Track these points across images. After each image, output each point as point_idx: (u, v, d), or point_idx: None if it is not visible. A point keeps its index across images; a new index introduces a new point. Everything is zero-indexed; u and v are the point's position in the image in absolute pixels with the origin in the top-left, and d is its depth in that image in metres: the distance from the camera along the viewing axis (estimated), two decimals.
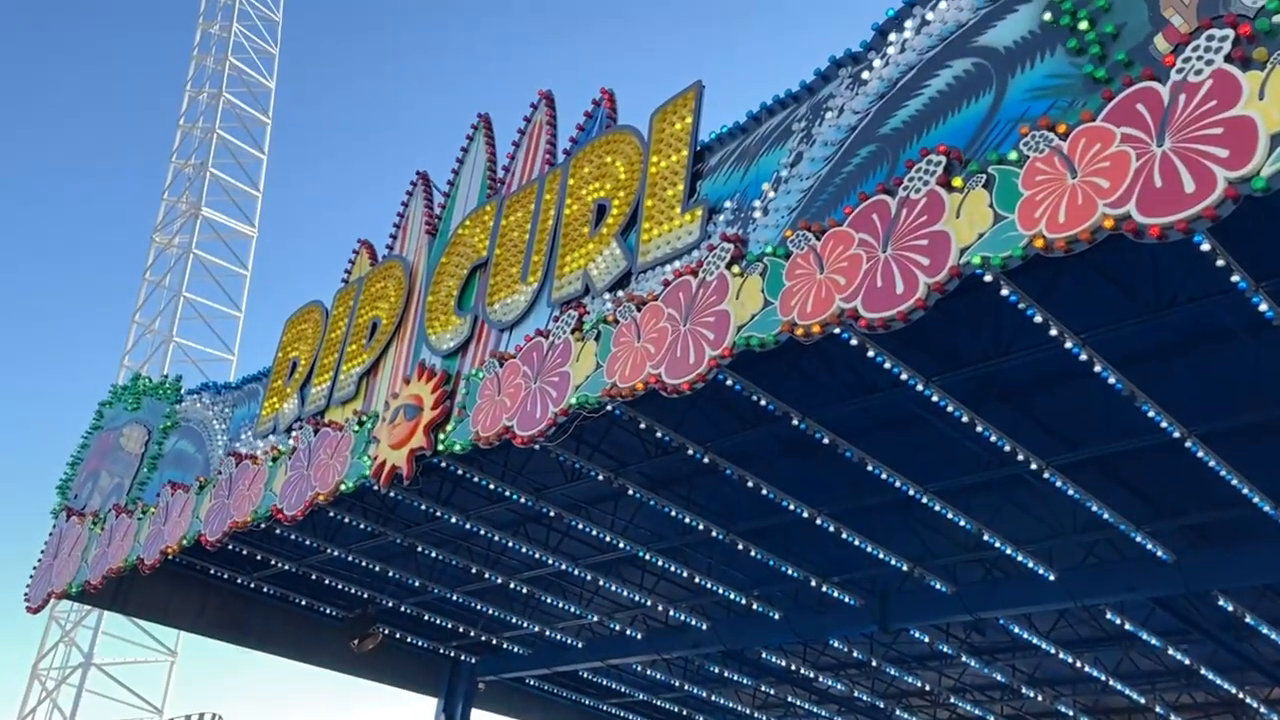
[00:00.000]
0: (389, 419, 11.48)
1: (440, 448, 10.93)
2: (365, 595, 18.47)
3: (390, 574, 17.42)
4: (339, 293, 14.05)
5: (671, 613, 17.60)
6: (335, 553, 16.57)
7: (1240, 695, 17.84)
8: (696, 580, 16.09)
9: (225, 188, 47.39)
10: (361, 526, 15.67)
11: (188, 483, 14.79)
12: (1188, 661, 16.59)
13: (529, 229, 11.22)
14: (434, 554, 16.61)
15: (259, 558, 17.24)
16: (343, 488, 11.91)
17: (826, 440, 11.46)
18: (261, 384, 14.71)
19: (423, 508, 14.82)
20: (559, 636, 19.55)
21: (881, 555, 14.31)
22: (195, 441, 15.57)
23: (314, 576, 17.88)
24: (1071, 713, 20.13)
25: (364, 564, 17.05)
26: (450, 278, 12.06)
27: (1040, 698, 19.61)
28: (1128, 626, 15.48)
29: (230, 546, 15.62)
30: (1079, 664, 17.33)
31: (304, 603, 19.25)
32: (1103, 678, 17.77)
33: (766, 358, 10.03)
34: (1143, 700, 18.71)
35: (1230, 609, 14.13)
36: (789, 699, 22.24)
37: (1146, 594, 13.87)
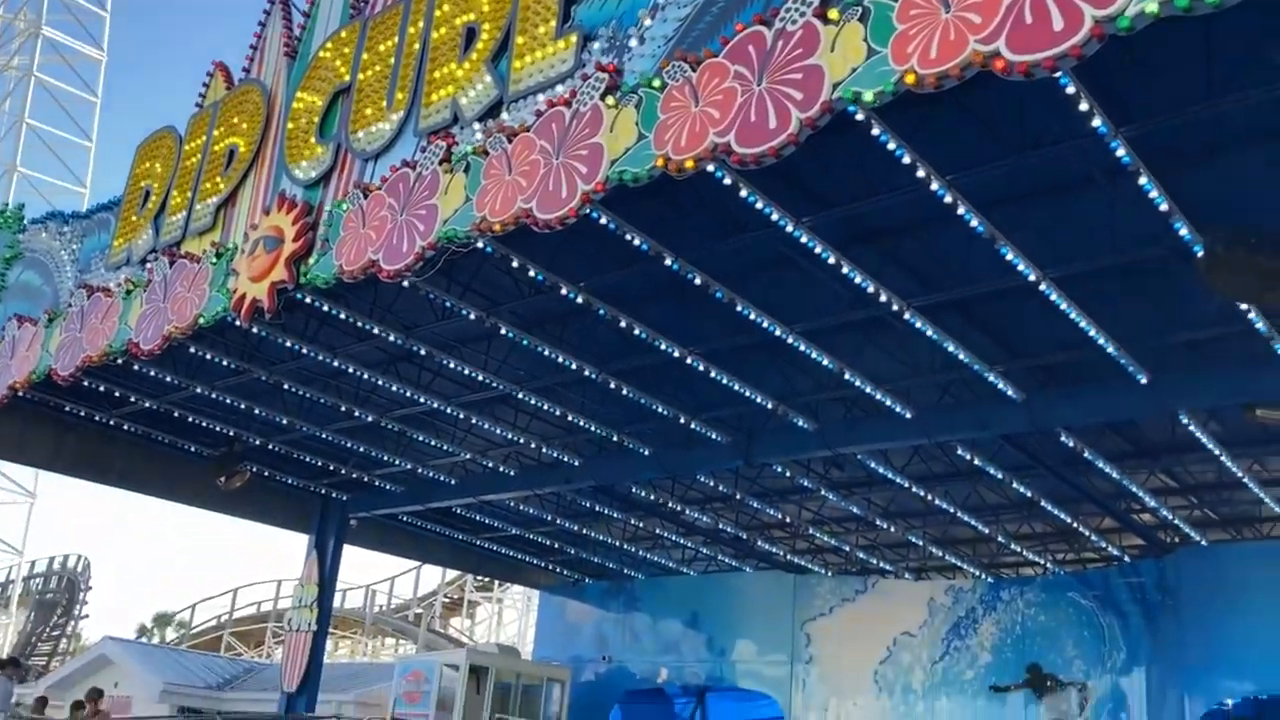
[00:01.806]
0: (248, 251, 11.08)
1: (303, 281, 10.63)
2: (231, 433, 18.16)
3: (257, 412, 17.13)
4: (193, 118, 13.29)
5: (544, 450, 17.83)
6: (198, 390, 16.17)
7: (1075, 525, 19.15)
8: (569, 418, 16.27)
9: (69, 5, 44.07)
10: (224, 363, 15.28)
11: (35, 316, 14.12)
12: (1030, 494, 17.66)
13: (394, 54, 10.70)
14: (302, 392, 16.35)
15: (117, 394, 16.70)
16: (201, 321, 11.54)
17: (698, 281, 11.51)
18: (113, 213, 13.97)
19: (288, 345, 14.48)
20: (431, 474, 19.67)
21: (748, 394, 14.65)
22: (42, 273, 14.80)
23: (176, 414, 17.46)
24: (921, 543, 21.35)
25: (229, 401, 16.71)
26: (311, 104, 11.48)
27: (893, 529, 20.72)
28: (977, 462, 16.33)
29: (85, 383, 15.12)
30: (930, 497, 18.29)
31: (167, 440, 18.85)
32: (951, 510, 18.82)
33: (641, 196, 9.94)
34: (987, 531, 19.95)
35: (1071, 445, 14.98)
36: (657, 531, 23.02)
37: (996, 431, 14.59)
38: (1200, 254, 9.40)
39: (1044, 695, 20.02)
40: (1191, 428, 14.08)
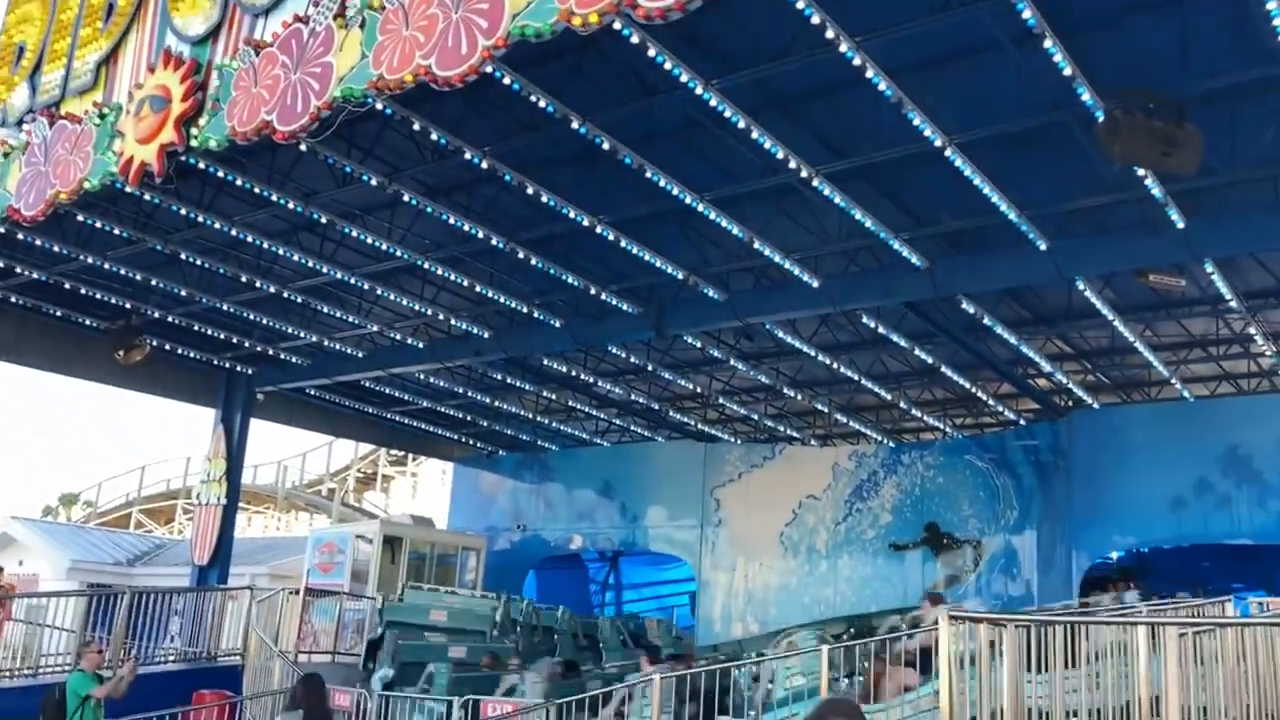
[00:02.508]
0: (134, 111, 10.55)
1: (193, 144, 10.19)
2: (127, 305, 17.58)
3: (154, 283, 16.58)
4: None
5: (453, 322, 17.66)
6: (90, 260, 15.55)
7: (974, 391, 19.76)
8: (478, 289, 16.09)
9: None
10: (117, 233, 14.71)
11: None
12: (931, 361, 18.12)
13: None
14: (200, 262, 15.86)
15: (2, 265, 15.98)
16: (87, 186, 11.02)
17: (606, 146, 11.32)
18: None
19: (183, 213, 13.97)
20: (338, 347, 19.38)
21: (659, 264, 14.60)
22: None
23: (68, 286, 16.80)
24: (827, 410, 21.88)
25: (123, 272, 16.13)
26: None
27: (800, 397, 21.14)
28: (881, 330, 16.65)
29: None
30: (836, 366, 18.66)
31: (60, 314, 18.19)
32: (856, 378, 19.25)
33: (547, 57, 9.73)
34: (890, 397, 20.48)
35: (972, 312, 15.33)
36: (570, 403, 23.16)
37: (900, 299, 14.81)
38: (1101, 119, 9.50)
39: (940, 553, 20.94)
40: (1088, 294, 14.49)
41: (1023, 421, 21.19)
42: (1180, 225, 11.94)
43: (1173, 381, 18.32)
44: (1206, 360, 17.98)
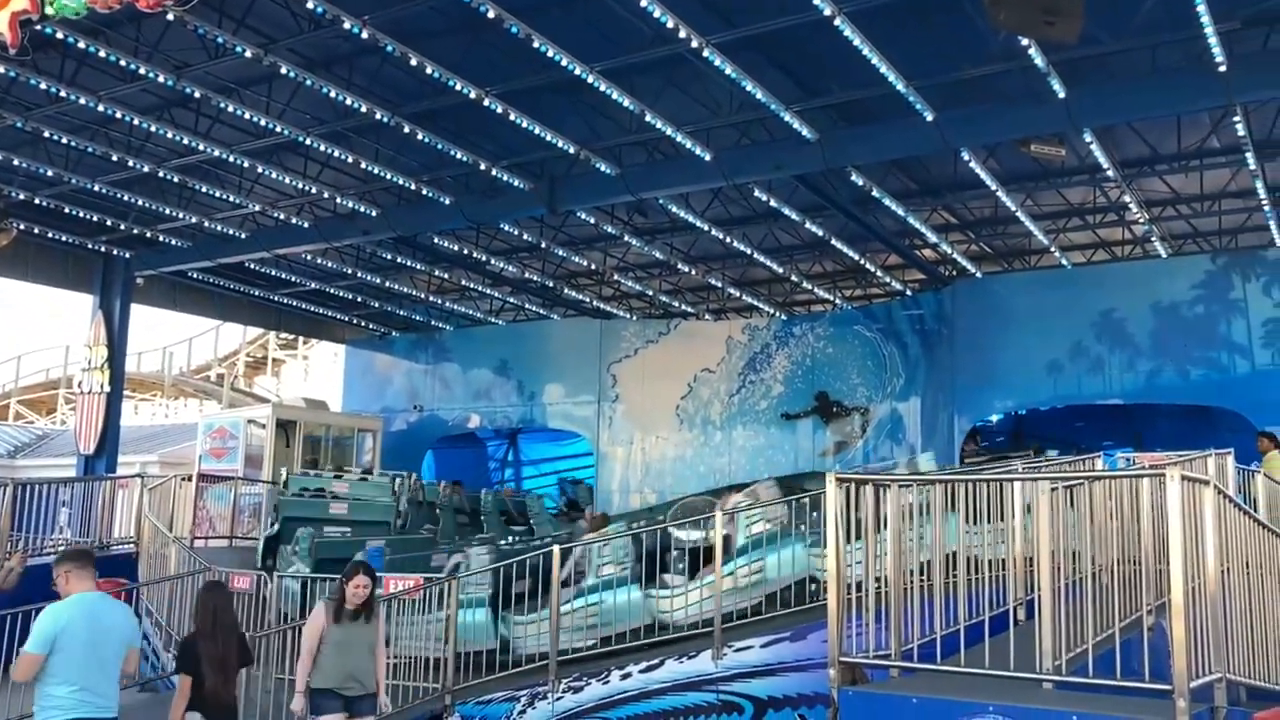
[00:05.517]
0: None
1: (49, 11, 9.53)
2: None
3: (17, 163, 15.75)
4: None
5: (339, 200, 17.18)
6: None
7: (863, 262, 20.12)
8: (364, 166, 15.63)
9: None
10: None
11: None
12: (822, 234, 18.34)
13: None
14: (67, 140, 15.10)
15: None
16: None
17: (492, 14, 10.96)
18: None
19: (44, 87, 13.19)
20: (220, 228, 18.74)
21: (550, 138, 14.34)
22: None
23: None
24: (720, 285, 22.08)
25: None
26: None
27: (694, 272, 21.29)
28: (773, 204, 16.75)
29: None
30: (729, 240, 18.78)
31: None
32: (749, 252, 19.41)
33: None
34: (781, 271, 20.75)
35: (861, 184, 15.50)
36: (464, 282, 22.94)
37: (792, 171, 14.84)
38: None
39: (830, 420, 21.62)
40: (972, 164, 14.76)
41: (909, 292, 21.73)
42: (1061, 95, 12.15)
43: (1052, 250, 18.92)
44: (1084, 228, 18.58)
